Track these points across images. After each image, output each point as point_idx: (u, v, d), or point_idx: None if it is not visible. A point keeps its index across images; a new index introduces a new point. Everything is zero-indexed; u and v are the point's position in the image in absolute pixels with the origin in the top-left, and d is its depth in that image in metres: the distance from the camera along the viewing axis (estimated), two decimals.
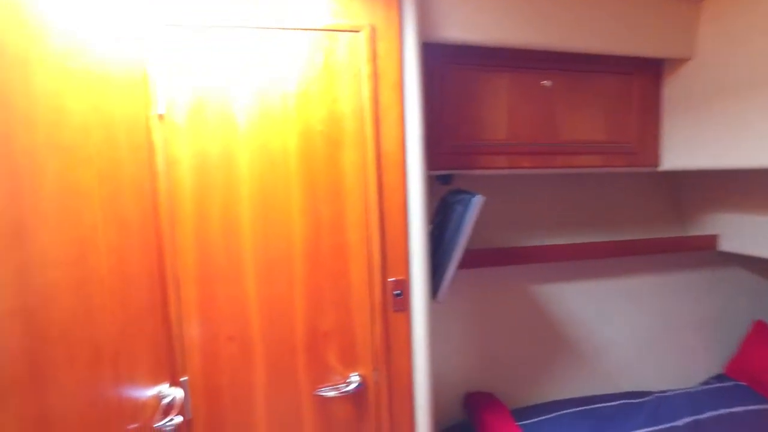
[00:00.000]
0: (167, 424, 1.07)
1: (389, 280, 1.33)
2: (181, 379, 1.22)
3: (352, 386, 1.33)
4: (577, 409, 1.90)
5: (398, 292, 1.33)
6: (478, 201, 1.42)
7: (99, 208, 0.88)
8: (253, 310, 1.26)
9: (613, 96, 1.79)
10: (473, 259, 1.79)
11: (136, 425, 0.98)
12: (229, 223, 1.24)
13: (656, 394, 2.04)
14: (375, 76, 1.29)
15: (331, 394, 1.32)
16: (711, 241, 2.10)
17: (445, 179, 1.80)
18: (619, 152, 1.81)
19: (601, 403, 1.96)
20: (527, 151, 1.70)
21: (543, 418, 1.85)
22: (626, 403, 1.97)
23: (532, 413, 1.88)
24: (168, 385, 1.17)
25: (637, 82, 1.81)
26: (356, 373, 1.35)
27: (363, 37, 1.27)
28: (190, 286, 1.22)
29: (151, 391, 1.07)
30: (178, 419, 1.09)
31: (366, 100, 1.29)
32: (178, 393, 1.14)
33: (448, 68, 1.60)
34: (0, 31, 0.65)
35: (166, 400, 1.11)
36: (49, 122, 0.74)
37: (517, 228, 2.01)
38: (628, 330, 2.19)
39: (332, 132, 1.28)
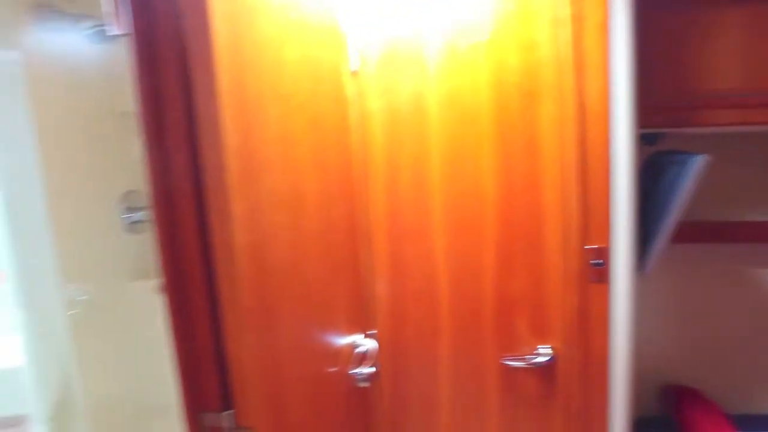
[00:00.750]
0: (360, 372, 1.11)
1: (587, 247, 1.19)
2: (370, 332, 1.26)
3: (541, 359, 1.23)
4: None
5: (599, 261, 1.18)
6: (701, 161, 1.18)
7: (308, 156, 0.92)
8: (441, 268, 1.24)
9: None
10: (686, 232, 1.52)
11: (335, 368, 1.04)
12: (419, 177, 1.22)
13: None
14: (576, 19, 1.14)
15: (518, 364, 1.25)
16: None
17: (651, 139, 1.55)
18: None
19: None
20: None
21: None
22: None
23: (760, 424, 1.55)
24: (362, 336, 1.21)
25: None
26: (546, 346, 1.24)
27: None
28: (381, 240, 1.25)
29: (347, 340, 1.12)
30: (370, 369, 1.13)
31: (565, 46, 1.14)
32: (371, 344, 1.18)
33: (662, 7, 1.35)
34: None
35: (359, 350, 1.15)
36: (271, 70, 0.78)
37: (745, 200, 1.65)
38: None
39: (526, 82, 1.17)
